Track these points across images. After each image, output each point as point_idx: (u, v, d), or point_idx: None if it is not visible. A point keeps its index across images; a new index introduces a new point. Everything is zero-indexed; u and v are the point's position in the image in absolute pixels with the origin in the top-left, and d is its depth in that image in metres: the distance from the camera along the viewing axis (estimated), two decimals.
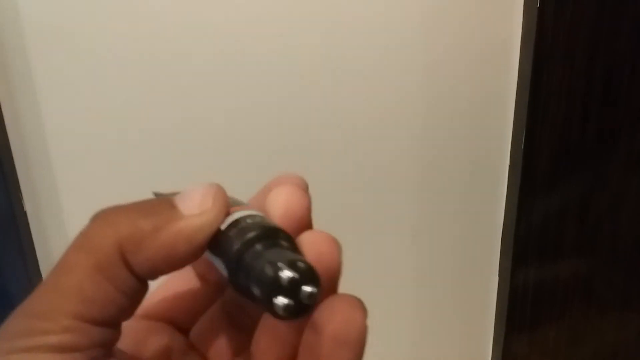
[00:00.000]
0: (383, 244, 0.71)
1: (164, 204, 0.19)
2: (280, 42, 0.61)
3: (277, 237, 0.19)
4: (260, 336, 0.21)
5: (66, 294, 0.18)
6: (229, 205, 0.20)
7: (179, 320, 0.25)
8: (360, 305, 0.20)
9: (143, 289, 0.20)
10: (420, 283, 0.74)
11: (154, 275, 0.19)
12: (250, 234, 0.19)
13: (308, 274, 0.18)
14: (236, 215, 0.20)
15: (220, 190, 0.20)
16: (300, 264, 0.18)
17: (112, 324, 0.19)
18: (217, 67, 0.61)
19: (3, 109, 0.59)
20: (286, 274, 0.17)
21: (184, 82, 0.61)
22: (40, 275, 0.64)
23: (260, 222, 0.20)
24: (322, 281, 0.18)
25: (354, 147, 0.66)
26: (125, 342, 0.21)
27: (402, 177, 0.68)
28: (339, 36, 0.62)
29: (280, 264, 0.18)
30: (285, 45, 0.61)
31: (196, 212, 0.19)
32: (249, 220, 0.19)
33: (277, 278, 0.17)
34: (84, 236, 0.19)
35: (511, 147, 0.69)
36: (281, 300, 0.18)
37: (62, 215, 0.64)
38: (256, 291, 0.18)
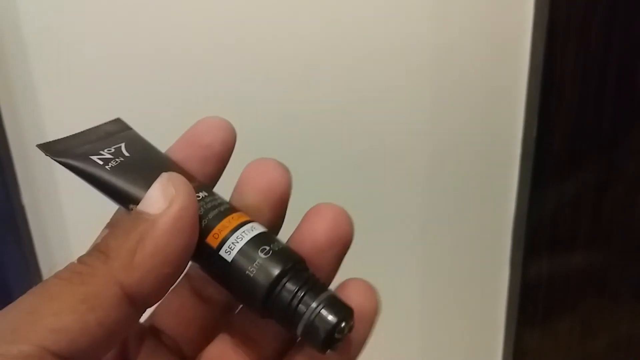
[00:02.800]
0: (391, 235, 0.70)
1: (130, 218, 0.19)
2: (283, 31, 0.59)
3: (299, 268, 0.21)
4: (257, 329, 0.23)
5: (38, 319, 0.17)
6: (190, 186, 0.20)
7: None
8: (374, 292, 0.23)
9: (131, 320, 0.19)
10: (430, 274, 0.73)
11: (156, 285, 0.18)
12: (275, 270, 0.20)
13: (349, 314, 0.20)
14: (245, 235, 0.20)
15: (174, 175, 0.19)
16: (344, 309, 0.20)
17: (76, 359, 0.17)
18: (224, 66, 0.59)
19: (0, 102, 0.58)
20: (335, 326, 0.20)
21: (187, 81, 0.60)
22: (39, 269, 0.64)
23: (279, 249, 0.21)
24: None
25: (360, 134, 0.64)
26: None
27: (410, 167, 0.67)
28: (345, 22, 0.60)
29: (330, 318, 0.20)
30: (288, 34, 0.59)
31: (164, 206, 0.18)
32: (266, 247, 0.20)
33: (328, 331, 0.20)
34: (74, 269, 0.18)
35: (523, 135, 0.68)
36: (329, 345, 0.20)
37: (61, 208, 0.63)
38: (301, 330, 0.20)
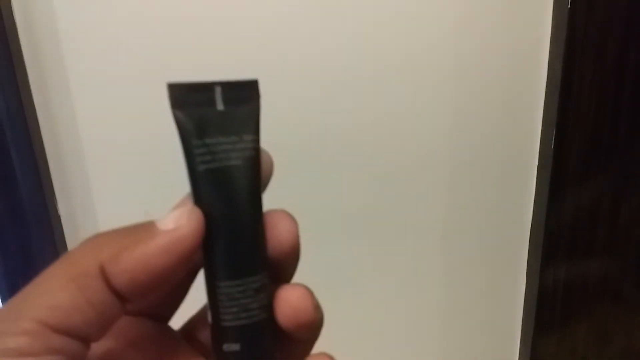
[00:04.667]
0: (412, 242, 0.71)
1: (145, 224, 0.21)
2: (307, 45, 0.61)
3: None
4: None
5: (33, 299, 0.19)
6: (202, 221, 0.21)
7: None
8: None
9: (118, 307, 0.20)
10: (448, 281, 0.74)
11: (136, 289, 0.20)
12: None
13: None
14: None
15: (195, 210, 0.21)
16: None
17: (75, 334, 0.19)
18: (252, 70, 0.61)
19: (38, 113, 0.59)
20: None
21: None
22: None
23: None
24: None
25: (383, 144, 0.66)
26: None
27: (430, 176, 0.68)
28: (369, 32, 0.62)
29: None
30: (312, 49, 0.61)
31: (172, 227, 0.20)
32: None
33: None
34: (66, 254, 0.20)
35: (540, 146, 0.69)
36: None
37: (96, 218, 0.65)
38: None
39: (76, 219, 0.64)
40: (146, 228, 0.20)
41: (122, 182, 0.63)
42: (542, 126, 0.68)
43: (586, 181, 0.68)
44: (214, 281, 0.22)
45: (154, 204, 0.63)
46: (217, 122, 0.22)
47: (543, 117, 0.68)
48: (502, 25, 0.64)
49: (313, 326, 0.23)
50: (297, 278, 0.27)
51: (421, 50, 0.63)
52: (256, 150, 0.23)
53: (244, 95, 0.23)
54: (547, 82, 0.66)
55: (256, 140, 0.23)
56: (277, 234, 0.23)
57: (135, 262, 0.20)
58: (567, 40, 0.62)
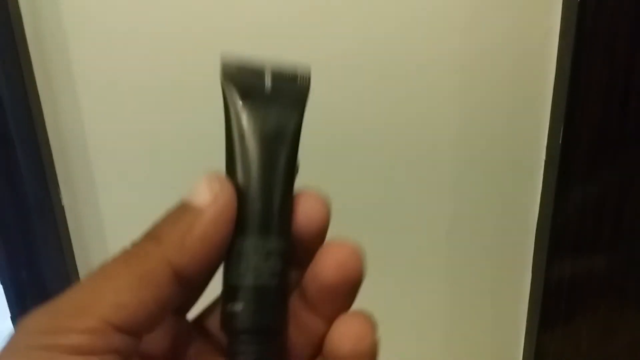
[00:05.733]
0: (417, 238, 0.71)
1: (180, 207, 0.21)
2: (311, 42, 0.60)
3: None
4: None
5: (98, 296, 0.19)
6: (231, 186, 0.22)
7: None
8: (371, 323, 0.24)
9: (179, 297, 0.21)
10: (454, 276, 0.74)
11: (198, 266, 0.21)
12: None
13: None
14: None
15: (219, 175, 0.22)
16: None
17: (135, 332, 0.19)
18: None
19: (42, 103, 0.59)
20: None
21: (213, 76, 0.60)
22: (77, 269, 0.65)
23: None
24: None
25: (387, 138, 0.66)
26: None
27: (436, 170, 0.68)
28: (378, 26, 0.61)
29: None
30: (320, 43, 0.60)
31: (209, 199, 0.21)
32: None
33: None
34: (129, 252, 0.21)
35: (548, 140, 0.69)
36: None
37: (99, 209, 0.64)
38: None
39: (79, 209, 0.64)
40: (186, 209, 0.21)
41: (124, 173, 0.63)
42: (550, 121, 0.68)
43: (594, 176, 0.68)
44: (231, 238, 0.22)
45: (156, 195, 0.63)
46: (263, 95, 0.23)
47: (551, 111, 0.68)
48: (510, 19, 0.63)
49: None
50: None
51: (428, 44, 0.62)
52: (298, 125, 0.25)
53: (292, 77, 0.24)
54: (555, 76, 0.66)
55: (301, 116, 0.24)
56: (304, 211, 0.23)
57: (197, 241, 0.20)
58: (576, 35, 0.62)
